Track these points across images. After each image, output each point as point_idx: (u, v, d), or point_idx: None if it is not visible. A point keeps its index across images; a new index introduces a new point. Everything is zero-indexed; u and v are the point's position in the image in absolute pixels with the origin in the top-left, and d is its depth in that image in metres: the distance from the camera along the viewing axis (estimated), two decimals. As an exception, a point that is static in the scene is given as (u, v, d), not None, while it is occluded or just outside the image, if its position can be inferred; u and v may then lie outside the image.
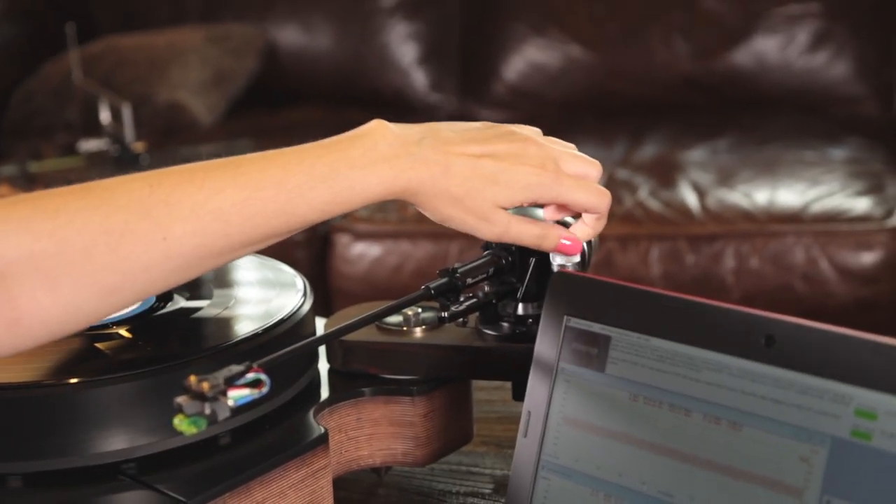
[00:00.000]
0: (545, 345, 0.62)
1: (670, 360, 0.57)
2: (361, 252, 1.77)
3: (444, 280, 0.70)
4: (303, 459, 0.66)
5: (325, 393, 0.74)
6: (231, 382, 0.54)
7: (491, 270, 0.72)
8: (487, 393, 0.93)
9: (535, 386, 0.62)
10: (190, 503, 0.60)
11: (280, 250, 1.87)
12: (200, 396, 0.53)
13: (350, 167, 0.62)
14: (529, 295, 0.73)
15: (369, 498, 0.78)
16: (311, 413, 0.71)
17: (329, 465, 0.68)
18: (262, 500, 0.64)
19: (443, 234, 1.75)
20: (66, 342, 0.70)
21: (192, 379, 0.54)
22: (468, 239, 1.71)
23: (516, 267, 0.73)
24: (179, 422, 0.54)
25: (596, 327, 0.60)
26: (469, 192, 0.65)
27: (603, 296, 0.60)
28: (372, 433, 0.75)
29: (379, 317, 0.66)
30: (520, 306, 0.73)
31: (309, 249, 1.79)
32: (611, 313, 0.60)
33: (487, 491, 0.79)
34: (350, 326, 0.64)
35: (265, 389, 0.56)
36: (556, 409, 0.61)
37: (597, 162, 0.70)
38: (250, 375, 0.55)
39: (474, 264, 0.72)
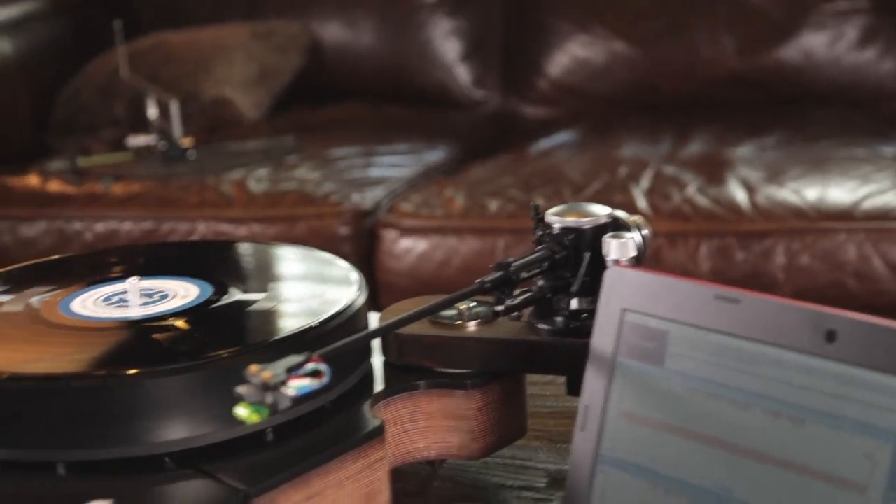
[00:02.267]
0: (602, 339, 0.62)
1: (729, 354, 0.57)
2: (408, 247, 1.78)
3: (498, 274, 0.70)
4: (360, 451, 0.67)
5: (379, 386, 0.75)
6: (292, 372, 0.55)
7: (546, 265, 0.72)
8: (539, 388, 0.93)
9: (592, 380, 0.62)
10: (250, 491, 0.61)
11: (326, 245, 1.88)
12: (261, 386, 0.54)
13: None
14: (584, 289, 0.73)
15: (424, 490, 0.78)
16: (366, 405, 0.71)
17: (386, 457, 0.69)
18: (321, 491, 0.65)
19: (489, 229, 1.75)
20: (122, 334, 0.71)
21: (254, 368, 0.54)
22: (515, 234, 1.71)
23: (570, 262, 0.74)
24: (241, 411, 0.54)
25: (653, 322, 0.60)
26: None
27: (660, 290, 0.60)
28: (427, 426, 0.75)
29: (436, 310, 0.66)
30: (573, 301, 0.73)
31: (355, 244, 1.80)
32: (668, 308, 0.60)
33: (542, 485, 0.79)
34: (408, 319, 0.64)
35: (325, 379, 0.56)
36: (614, 403, 0.61)
37: None
38: (310, 365, 0.56)
39: (529, 259, 0.72)
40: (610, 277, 0.62)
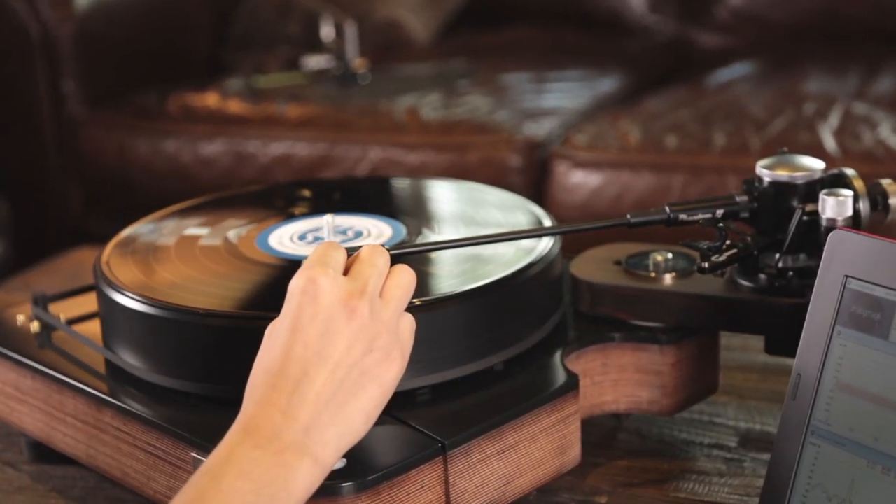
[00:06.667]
0: (821, 305, 0.59)
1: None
2: (580, 181, 1.74)
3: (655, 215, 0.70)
4: (554, 405, 0.65)
5: (571, 337, 0.73)
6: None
7: (719, 212, 0.70)
8: (725, 339, 0.89)
9: (808, 348, 0.59)
10: (446, 442, 0.60)
11: (497, 175, 1.84)
12: None
13: None
14: (793, 248, 0.69)
15: (611, 442, 0.77)
16: (558, 357, 0.70)
17: (579, 411, 0.67)
18: (514, 444, 0.64)
19: (666, 165, 1.70)
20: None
21: None
22: (693, 172, 1.66)
23: (758, 215, 0.70)
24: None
25: (880, 291, 0.56)
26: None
27: (889, 257, 0.56)
28: (617, 379, 0.74)
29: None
30: (781, 259, 0.70)
31: (526, 175, 1.77)
32: (898, 277, 0.56)
33: (732, 444, 0.76)
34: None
35: None
36: (830, 373, 0.58)
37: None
38: None
39: (695, 201, 0.71)
40: (833, 241, 0.58)
